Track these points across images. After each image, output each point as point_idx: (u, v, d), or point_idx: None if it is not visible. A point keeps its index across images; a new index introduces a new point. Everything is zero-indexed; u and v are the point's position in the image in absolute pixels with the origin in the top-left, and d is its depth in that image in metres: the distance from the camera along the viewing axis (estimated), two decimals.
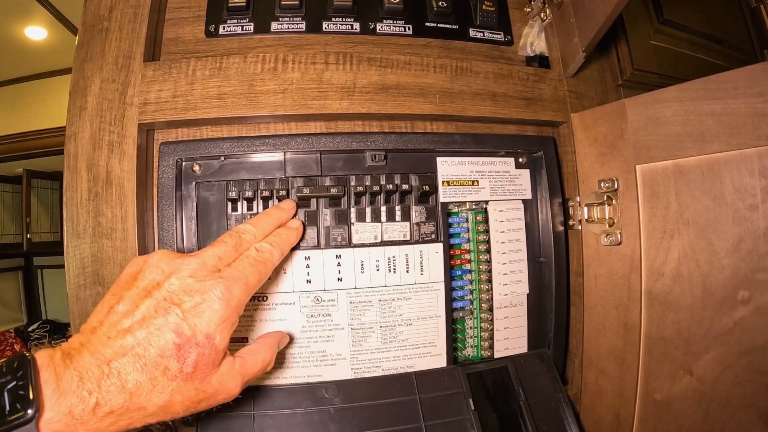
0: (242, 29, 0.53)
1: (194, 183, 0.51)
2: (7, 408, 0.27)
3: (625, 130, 0.53)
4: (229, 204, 0.51)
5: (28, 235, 3.14)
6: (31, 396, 0.27)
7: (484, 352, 0.58)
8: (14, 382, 0.28)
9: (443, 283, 0.55)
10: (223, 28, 0.53)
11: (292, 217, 0.48)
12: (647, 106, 0.52)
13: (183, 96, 0.49)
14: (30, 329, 2.83)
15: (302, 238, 0.50)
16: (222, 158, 0.51)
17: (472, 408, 0.53)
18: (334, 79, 0.51)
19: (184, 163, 0.51)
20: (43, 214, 3.32)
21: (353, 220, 0.53)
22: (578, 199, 0.57)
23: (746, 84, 0.47)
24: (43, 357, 0.30)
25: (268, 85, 0.50)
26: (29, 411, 0.27)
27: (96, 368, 0.30)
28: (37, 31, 2.26)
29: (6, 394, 0.28)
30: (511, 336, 0.58)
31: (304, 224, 0.50)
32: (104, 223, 0.48)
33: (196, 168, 0.51)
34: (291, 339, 0.46)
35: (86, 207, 0.48)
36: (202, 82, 0.50)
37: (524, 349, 0.59)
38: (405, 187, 0.53)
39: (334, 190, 0.51)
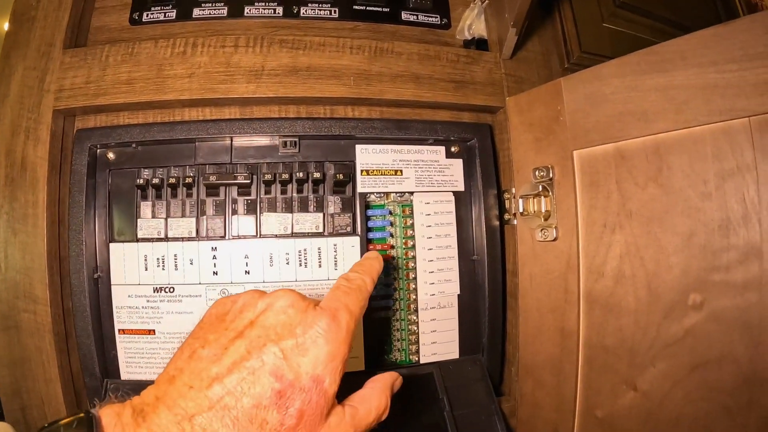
0: (165, 16, 0.49)
1: (108, 170, 0.46)
2: None
3: (561, 112, 0.44)
4: (139, 191, 0.46)
5: None
6: None
7: (412, 357, 0.50)
8: None
9: None
10: (147, 15, 0.49)
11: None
12: (585, 85, 0.43)
13: (95, 82, 0.45)
14: None
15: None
16: (134, 145, 0.46)
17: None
18: (243, 62, 0.45)
19: (98, 151, 0.47)
20: None
21: (263, 210, 0.46)
22: (513, 190, 0.48)
23: (696, 52, 0.37)
24: (109, 416, 0.23)
25: (176, 69, 0.45)
26: None
27: (175, 426, 0.23)
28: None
29: None
30: (439, 340, 0.49)
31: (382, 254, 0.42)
32: (18, 208, 0.44)
33: (111, 155, 0.46)
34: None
35: (2, 192, 0.45)
36: (114, 68, 0.45)
37: (456, 355, 0.50)
38: (317, 175, 0.46)
39: (240, 178, 0.45)
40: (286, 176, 0.45)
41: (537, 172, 0.45)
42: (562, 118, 0.44)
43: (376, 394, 0.31)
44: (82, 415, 0.23)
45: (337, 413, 0.27)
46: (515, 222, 0.48)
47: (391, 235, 0.49)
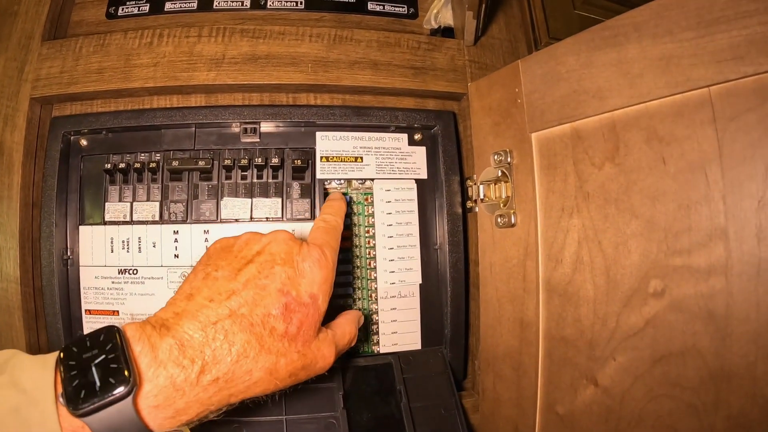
0: (138, 10, 0.50)
1: (80, 156, 0.47)
2: (98, 384, 0.22)
3: (519, 95, 0.41)
4: (107, 176, 0.46)
5: None
6: (125, 369, 0.22)
7: (375, 347, 0.47)
8: (103, 356, 0.23)
9: None
10: (122, 9, 0.50)
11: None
12: (541, 65, 0.40)
13: (68, 71, 0.46)
14: None
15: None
16: (104, 132, 0.47)
17: (341, 406, 0.42)
18: (205, 51, 0.45)
19: (72, 138, 0.47)
20: None
21: (223, 195, 0.46)
22: (475, 177, 0.45)
23: (650, 23, 0.34)
24: (133, 329, 0.25)
25: (142, 59, 0.45)
26: (124, 386, 0.22)
27: (199, 332, 0.25)
28: None
29: (95, 369, 0.23)
30: (400, 330, 0.47)
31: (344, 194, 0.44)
32: None
33: (83, 142, 0.47)
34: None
35: None
36: (86, 58, 0.46)
37: (418, 347, 0.47)
38: (275, 161, 0.45)
39: (201, 163, 0.45)
40: (245, 162, 0.45)
41: (495, 157, 0.43)
42: (519, 100, 0.41)
43: (347, 324, 0.35)
44: (109, 326, 0.24)
45: (323, 331, 0.31)
46: (477, 209, 0.46)
47: (354, 224, 0.47)
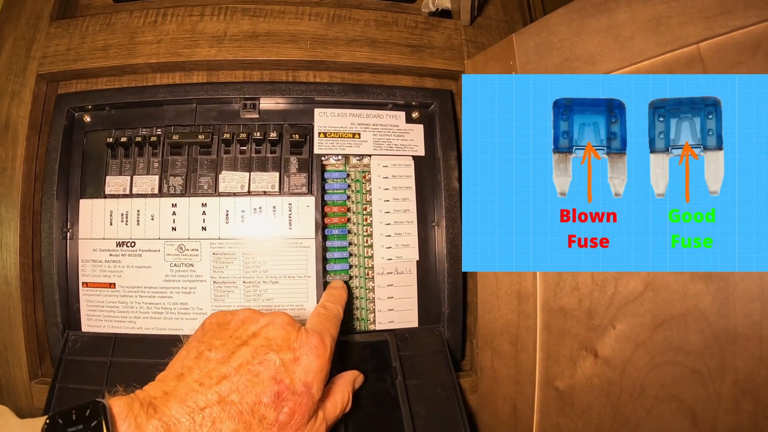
0: None
1: (84, 132, 0.49)
2: None
3: (513, 67, 0.42)
4: (109, 150, 0.48)
5: None
6: None
7: (370, 325, 0.47)
8: None
9: (314, 241, 0.46)
10: None
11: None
12: (534, 37, 0.41)
13: (75, 49, 0.48)
14: None
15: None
16: (107, 108, 0.48)
17: None
18: (207, 29, 0.47)
19: (76, 114, 0.49)
20: None
21: (221, 168, 0.47)
22: None
23: None
24: (119, 406, 0.25)
25: (146, 36, 0.47)
26: None
27: (186, 417, 0.25)
28: None
29: None
30: (397, 307, 0.47)
31: (345, 283, 0.45)
32: None
33: (87, 118, 0.49)
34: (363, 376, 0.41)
35: None
36: (92, 36, 0.48)
37: (415, 324, 0.47)
38: (273, 135, 0.46)
39: (201, 137, 0.46)
40: (243, 136, 0.46)
41: None
42: (514, 72, 0.42)
43: (339, 390, 0.35)
44: (96, 401, 0.24)
45: (315, 415, 0.31)
46: None
47: (349, 198, 0.48)
